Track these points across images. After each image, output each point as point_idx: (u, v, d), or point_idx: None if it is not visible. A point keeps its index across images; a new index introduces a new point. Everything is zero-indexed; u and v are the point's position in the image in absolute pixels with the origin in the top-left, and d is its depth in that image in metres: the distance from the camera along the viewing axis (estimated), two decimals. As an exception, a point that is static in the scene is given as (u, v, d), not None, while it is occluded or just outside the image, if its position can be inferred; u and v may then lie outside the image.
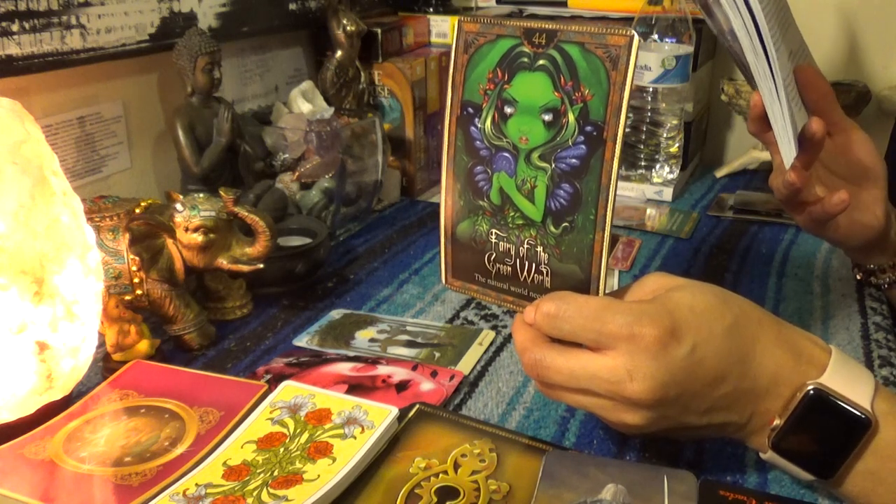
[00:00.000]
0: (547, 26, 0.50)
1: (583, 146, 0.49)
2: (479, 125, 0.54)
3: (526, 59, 0.51)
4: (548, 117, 0.50)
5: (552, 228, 0.52)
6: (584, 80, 0.49)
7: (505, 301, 0.56)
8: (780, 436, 0.48)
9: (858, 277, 0.79)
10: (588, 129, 0.49)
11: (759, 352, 0.48)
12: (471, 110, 0.54)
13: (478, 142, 0.54)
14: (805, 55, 0.70)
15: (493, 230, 0.55)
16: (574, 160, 0.50)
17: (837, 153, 0.68)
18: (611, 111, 0.48)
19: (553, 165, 0.51)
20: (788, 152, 0.59)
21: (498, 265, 0.55)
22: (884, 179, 0.69)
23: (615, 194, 0.49)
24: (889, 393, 0.49)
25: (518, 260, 0.54)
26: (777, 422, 0.48)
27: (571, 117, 0.49)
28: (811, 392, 0.47)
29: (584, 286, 0.51)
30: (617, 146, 0.48)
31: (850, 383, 0.48)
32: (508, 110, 0.52)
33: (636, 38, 0.47)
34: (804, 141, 0.61)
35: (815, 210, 0.66)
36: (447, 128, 0.55)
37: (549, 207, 0.52)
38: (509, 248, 0.54)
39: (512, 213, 0.54)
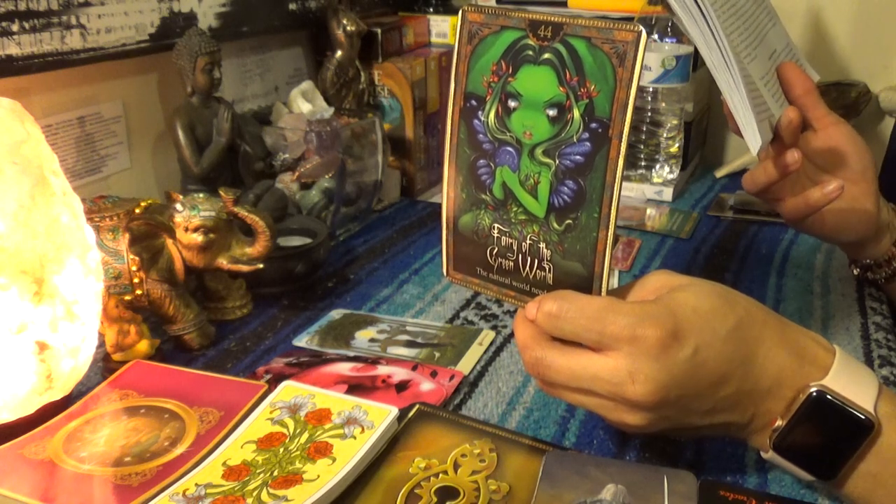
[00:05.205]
0: (553, 19, 0.49)
1: (588, 143, 0.49)
2: (483, 118, 0.53)
3: (531, 53, 0.50)
4: (552, 112, 0.50)
5: (555, 225, 0.51)
6: (589, 76, 0.48)
7: (507, 296, 0.56)
8: (782, 436, 0.48)
9: (856, 273, 0.79)
10: (593, 125, 0.48)
11: (762, 353, 0.48)
12: (474, 102, 0.53)
13: (481, 135, 0.53)
14: (793, 54, 0.71)
15: (496, 224, 0.54)
16: (578, 157, 0.49)
17: (823, 148, 0.69)
18: (617, 108, 0.47)
19: (557, 161, 0.50)
20: (753, 140, 0.60)
21: (500, 260, 0.55)
22: (872, 172, 0.69)
23: (620, 193, 0.48)
24: (893, 395, 0.49)
25: (521, 255, 0.54)
26: (779, 422, 0.48)
27: (576, 113, 0.49)
28: (813, 394, 0.47)
29: (587, 284, 0.51)
30: (622, 144, 0.47)
31: (853, 385, 0.47)
32: (512, 104, 0.51)
33: (644, 34, 0.46)
34: (782, 130, 0.62)
35: (812, 196, 0.67)
36: (450, 119, 0.54)
37: (552, 204, 0.51)
38: (512, 243, 0.54)
39: (515, 208, 0.53)
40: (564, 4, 1.19)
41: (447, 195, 0.56)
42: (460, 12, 0.53)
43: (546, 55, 0.49)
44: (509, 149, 0.52)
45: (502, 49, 0.51)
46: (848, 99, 1.11)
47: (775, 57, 0.68)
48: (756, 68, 0.64)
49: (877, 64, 1.20)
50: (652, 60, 1.03)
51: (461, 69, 0.53)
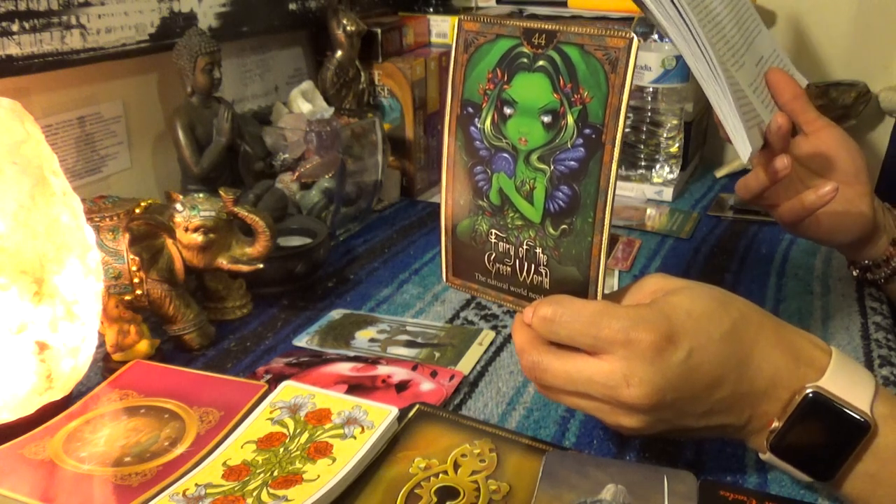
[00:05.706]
0: (546, 27, 0.50)
1: (581, 149, 0.49)
2: (479, 125, 0.53)
3: (525, 60, 0.51)
4: (547, 119, 0.50)
5: (551, 230, 0.52)
6: (583, 83, 0.48)
7: (504, 300, 0.56)
8: (779, 438, 0.48)
9: (855, 274, 0.79)
10: (587, 131, 0.49)
11: (758, 355, 0.48)
12: (471, 110, 0.54)
13: (477, 142, 0.54)
14: (780, 61, 0.71)
15: (493, 230, 0.55)
16: (573, 162, 0.50)
17: (815, 152, 0.69)
18: (609, 114, 0.48)
19: (552, 167, 0.51)
20: (743, 148, 0.60)
21: (498, 265, 0.55)
22: (866, 174, 0.70)
23: (614, 198, 0.49)
24: (889, 395, 0.49)
25: (517, 260, 0.54)
26: (776, 424, 0.48)
27: (570, 119, 0.49)
28: (809, 395, 0.47)
29: (583, 288, 0.51)
30: (616, 149, 0.48)
31: (849, 386, 0.47)
32: (508, 111, 0.52)
33: (636, 40, 0.46)
34: (771, 136, 0.63)
35: (807, 199, 0.67)
36: (447, 127, 0.55)
37: (547, 209, 0.52)
38: (509, 249, 0.54)
39: (511, 214, 0.54)
40: (564, 4, 1.19)
41: (445, 202, 0.57)
42: (456, 21, 0.53)
43: (540, 62, 0.50)
44: (505, 155, 0.53)
45: (497, 57, 0.52)
46: (847, 99, 1.11)
47: (762, 63, 0.68)
48: (744, 75, 0.64)
49: (877, 64, 1.20)
50: (652, 60, 1.04)
51: (457, 77, 0.54)
